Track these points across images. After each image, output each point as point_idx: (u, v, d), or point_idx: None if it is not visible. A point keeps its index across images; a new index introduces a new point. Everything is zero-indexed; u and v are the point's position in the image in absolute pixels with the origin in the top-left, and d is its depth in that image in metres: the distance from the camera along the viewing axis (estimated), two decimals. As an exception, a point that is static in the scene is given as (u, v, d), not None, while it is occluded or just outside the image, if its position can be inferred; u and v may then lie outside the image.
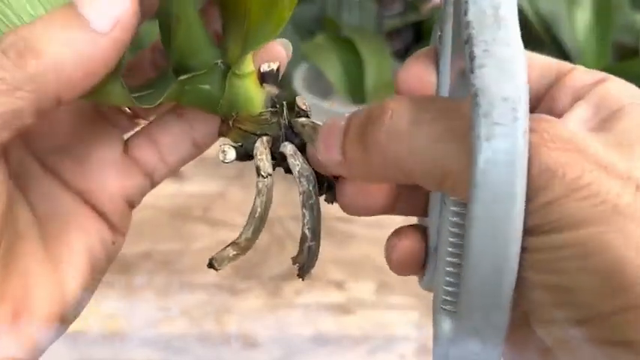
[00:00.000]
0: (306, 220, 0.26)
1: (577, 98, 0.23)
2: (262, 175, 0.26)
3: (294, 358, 0.60)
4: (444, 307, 0.23)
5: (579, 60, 0.80)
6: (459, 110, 0.21)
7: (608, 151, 0.20)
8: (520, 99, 0.19)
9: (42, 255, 0.25)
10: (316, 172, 0.27)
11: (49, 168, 0.27)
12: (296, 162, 0.26)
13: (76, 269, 0.26)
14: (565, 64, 0.25)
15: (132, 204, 0.28)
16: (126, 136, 0.29)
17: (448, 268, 0.23)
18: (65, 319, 0.25)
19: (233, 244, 0.26)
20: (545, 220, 0.19)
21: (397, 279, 0.32)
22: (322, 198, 0.27)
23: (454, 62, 0.24)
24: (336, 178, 0.27)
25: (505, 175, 0.18)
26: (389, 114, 0.22)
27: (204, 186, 0.75)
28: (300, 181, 0.26)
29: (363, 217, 0.28)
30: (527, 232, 0.19)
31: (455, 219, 0.22)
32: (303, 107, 0.27)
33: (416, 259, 0.27)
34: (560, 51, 0.81)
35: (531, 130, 0.19)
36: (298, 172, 0.26)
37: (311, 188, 0.26)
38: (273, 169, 0.27)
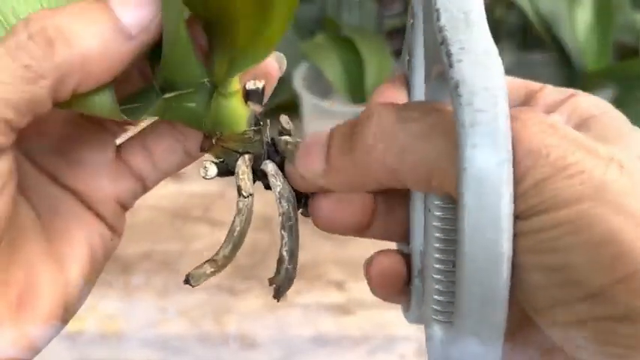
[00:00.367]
0: (284, 242, 0.26)
1: (549, 113, 0.24)
2: (243, 195, 0.26)
3: (294, 358, 0.60)
4: (435, 317, 0.23)
5: (580, 60, 0.80)
6: (442, 109, 0.22)
7: (588, 139, 0.21)
8: (499, 87, 0.19)
9: (44, 246, 0.25)
10: (294, 189, 0.27)
11: (42, 168, 0.27)
12: (277, 182, 0.26)
13: (77, 260, 0.26)
14: (534, 84, 0.25)
15: (124, 206, 0.28)
16: (120, 140, 0.29)
17: (437, 276, 0.23)
18: (68, 309, 0.26)
19: (210, 261, 0.26)
20: (534, 201, 0.19)
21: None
22: (300, 212, 0.27)
23: (428, 69, 0.25)
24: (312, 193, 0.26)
25: (491, 158, 0.19)
26: (375, 115, 0.22)
27: (204, 186, 0.75)
28: (280, 202, 0.26)
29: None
30: (519, 216, 0.20)
31: (439, 224, 0.23)
32: (286, 126, 0.27)
33: (396, 278, 0.26)
34: (560, 51, 0.81)
35: (514, 118, 0.20)
36: (279, 192, 0.26)
37: (291, 210, 0.26)
38: (253, 183, 0.27)
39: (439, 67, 0.22)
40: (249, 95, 0.26)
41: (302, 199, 0.27)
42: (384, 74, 0.78)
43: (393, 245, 0.28)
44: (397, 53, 0.87)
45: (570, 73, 0.80)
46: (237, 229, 0.26)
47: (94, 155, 0.27)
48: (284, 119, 0.27)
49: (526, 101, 0.25)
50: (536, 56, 0.84)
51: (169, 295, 0.64)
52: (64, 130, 0.27)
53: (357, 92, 0.79)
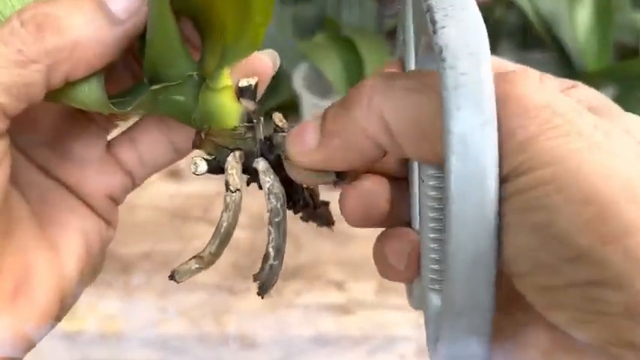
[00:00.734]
0: (271, 238, 0.26)
1: None
2: (231, 190, 0.26)
3: (294, 358, 0.60)
4: (432, 286, 0.24)
5: (580, 60, 0.80)
6: (432, 73, 0.22)
7: (576, 104, 0.21)
8: (483, 51, 0.20)
9: (38, 235, 0.26)
10: (291, 190, 0.27)
11: (35, 161, 0.27)
12: (267, 178, 0.26)
13: (72, 249, 0.26)
14: (534, 71, 0.25)
15: (115, 201, 0.29)
16: (112, 135, 0.29)
17: (432, 245, 0.23)
18: (64, 300, 0.26)
19: (197, 257, 0.25)
20: (520, 159, 0.19)
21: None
22: (295, 214, 0.27)
23: (418, 42, 0.25)
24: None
25: (476, 119, 0.19)
26: (370, 80, 0.23)
27: (204, 186, 0.75)
28: (268, 198, 0.26)
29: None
30: (505, 179, 0.20)
31: (433, 193, 0.23)
32: (280, 124, 0.27)
33: (405, 253, 0.26)
34: (560, 51, 0.81)
35: (503, 80, 0.20)
36: (268, 188, 0.26)
37: (279, 206, 0.26)
38: (248, 185, 0.27)
39: (427, 38, 0.22)
40: (242, 92, 0.26)
41: (299, 201, 0.27)
42: (384, 74, 0.78)
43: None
44: (397, 53, 0.87)
45: (570, 73, 0.80)
46: (224, 224, 0.25)
47: (84, 150, 0.28)
48: (277, 117, 0.27)
49: None
50: (536, 56, 0.84)
51: (169, 295, 0.64)
52: (56, 124, 0.27)
53: (357, 92, 0.79)
